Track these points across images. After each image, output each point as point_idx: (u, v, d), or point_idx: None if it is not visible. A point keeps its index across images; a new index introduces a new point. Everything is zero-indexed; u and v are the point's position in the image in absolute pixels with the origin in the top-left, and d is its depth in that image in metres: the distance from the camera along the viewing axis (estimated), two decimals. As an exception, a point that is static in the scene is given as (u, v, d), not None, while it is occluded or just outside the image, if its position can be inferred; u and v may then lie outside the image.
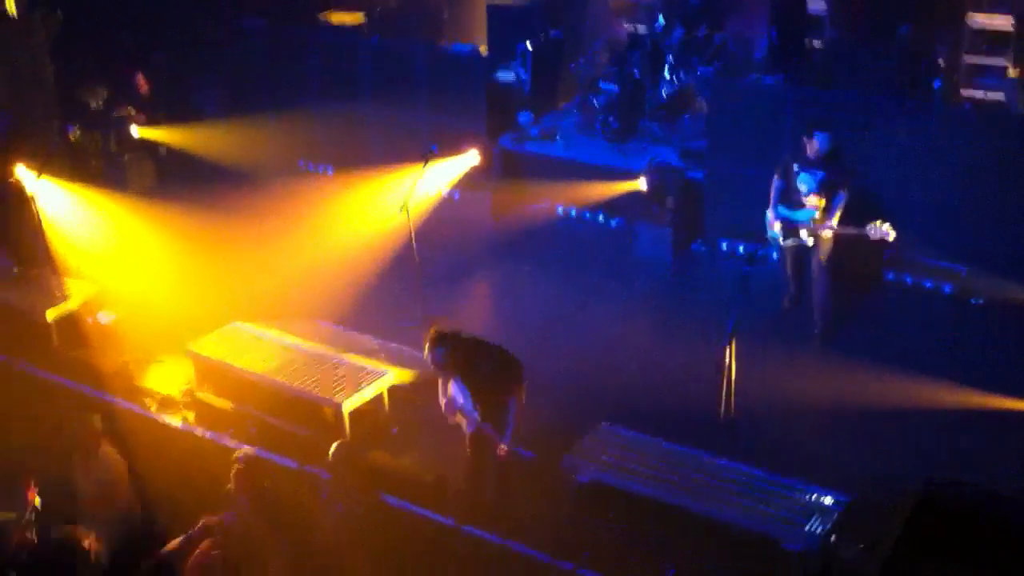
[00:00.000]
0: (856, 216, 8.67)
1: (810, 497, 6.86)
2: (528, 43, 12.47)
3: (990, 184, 9.48)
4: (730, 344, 7.70)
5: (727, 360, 7.76)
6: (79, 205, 11.44)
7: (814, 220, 8.74)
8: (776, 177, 8.95)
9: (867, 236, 8.45)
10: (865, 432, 8.15)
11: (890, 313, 9.64)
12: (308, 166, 13.01)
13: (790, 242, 8.96)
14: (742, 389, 8.02)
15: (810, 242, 8.86)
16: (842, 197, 8.68)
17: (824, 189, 8.69)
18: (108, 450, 7.44)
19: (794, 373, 8.77)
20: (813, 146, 8.70)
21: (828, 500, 6.83)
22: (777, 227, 8.97)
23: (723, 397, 7.92)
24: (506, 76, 12.46)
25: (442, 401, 7.30)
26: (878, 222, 8.41)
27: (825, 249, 8.89)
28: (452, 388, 7.18)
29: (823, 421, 8.28)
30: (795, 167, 8.82)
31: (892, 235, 8.38)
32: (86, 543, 5.56)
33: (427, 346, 7.16)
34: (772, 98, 10.64)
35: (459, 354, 7.13)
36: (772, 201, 8.98)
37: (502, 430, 7.18)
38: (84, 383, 9.16)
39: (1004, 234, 9.46)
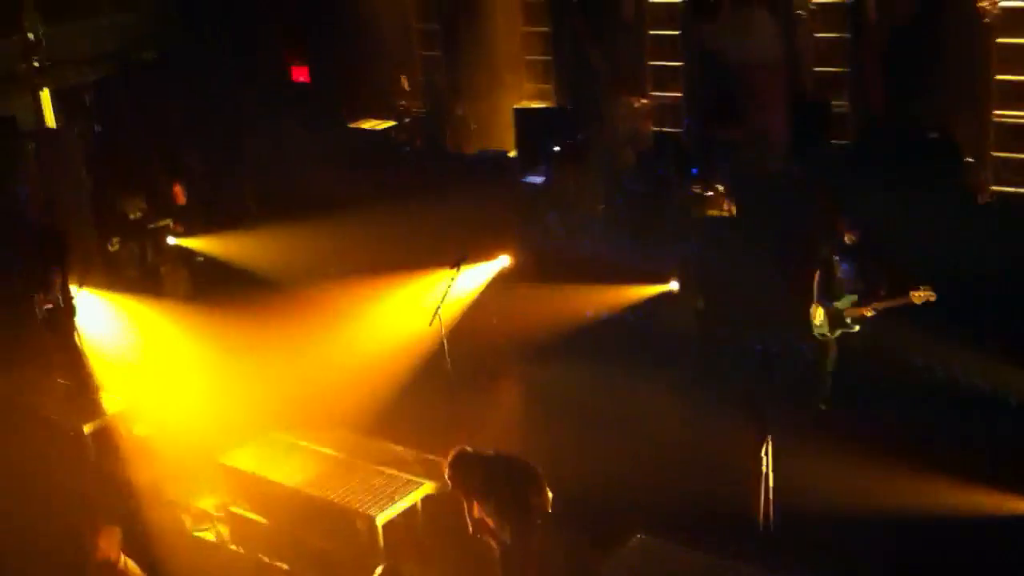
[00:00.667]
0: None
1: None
2: (556, 146, 12.67)
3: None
4: (766, 448, 7.58)
5: (763, 467, 7.64)
6: (116, 316, 11.65)
7: (855, 305, 8.80)
8: (819, 272, 9.01)
9: (912, 303, 8.52)
10: (910, 538, 7.96)
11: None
12: (341, 272, 13.13)
13: (837, 332, 8.96)
14: (781, 493, 7.87)
15: (856, 328, 8.87)
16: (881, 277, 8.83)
17: (864, 273, 8.82)
18: (130, 564, 7.45)
19: (833, 474, 8.62)
20: (850, 235, 8.82)
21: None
22: (819, 317, 8.97)
23: (762, 504, 7.77)
24: (535, 179, 12.63)
25: (469, 522, 7.23)
26: (919, 290, 8.49)
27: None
28: (477, 510, 7.12)
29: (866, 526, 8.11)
30: (836, 258, 8.92)
31: (934, 296, 8.44)
32: None
33: (446, 471, 7.16)
34: (799, 190, 10.74)
35: (476, 477, 7.10)
36: (816, 295, 9.02)
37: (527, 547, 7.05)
38: (118, 496, 9.18)
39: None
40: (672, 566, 7.21)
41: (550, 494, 7.24)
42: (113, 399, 10.24)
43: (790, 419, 8.42)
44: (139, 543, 7.93)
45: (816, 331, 9.07)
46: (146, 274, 13.13)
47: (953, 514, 8.07)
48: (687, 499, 8.54)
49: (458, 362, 9.68)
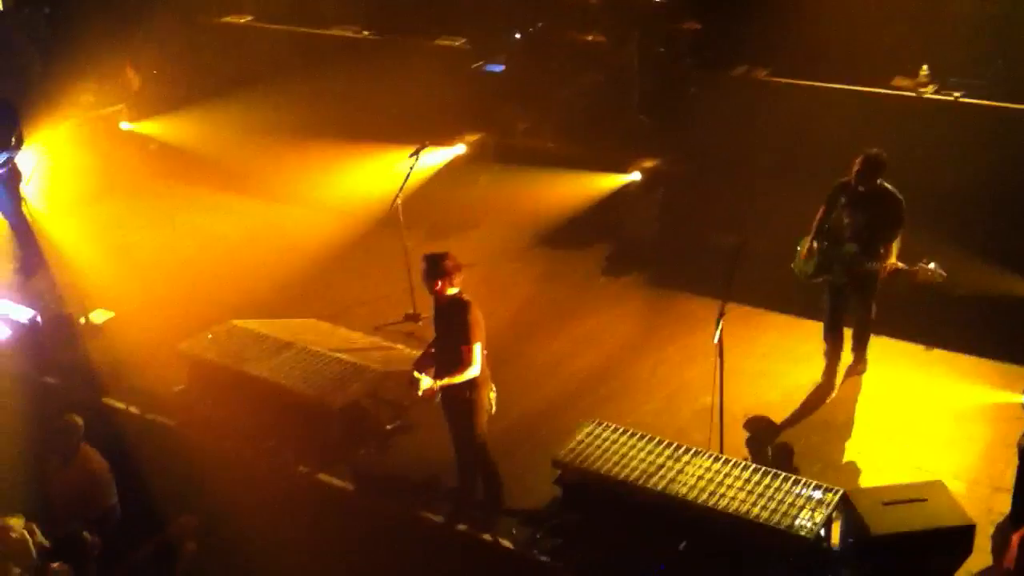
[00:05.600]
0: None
1: (802, 490, 6.85)
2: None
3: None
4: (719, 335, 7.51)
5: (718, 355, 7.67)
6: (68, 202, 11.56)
7: (852, 255, 8.04)
8: (823, 208, 8.21)
9: (915, 276, 7.83)
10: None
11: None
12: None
13: (819, 278, 8.28)
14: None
15: (843, 280, 8.16)
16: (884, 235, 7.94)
17: (872, 223, 7.97)
18: (88, 451, 7.48)
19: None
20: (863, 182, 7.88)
21: (819, 493, 6.82)
22: (803, 254, 8.27)
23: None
24: (494, 67, 12.39)
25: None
26: (929, 266, 7.76)
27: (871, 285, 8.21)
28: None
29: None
30: (843, 200, 8.09)
31: (942, 276, 7.76)
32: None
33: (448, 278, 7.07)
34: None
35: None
36: (814, 231, 8.23)
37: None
38: (75, 384, 9.18)
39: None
40: (620, 448, 7.34)
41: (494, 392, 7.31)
42: (68, 287, 10.15)
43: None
44: (99, 430, 7.95)
45: (797, 268, 8.36)
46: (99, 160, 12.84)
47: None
48: (642, 390, 8.76)
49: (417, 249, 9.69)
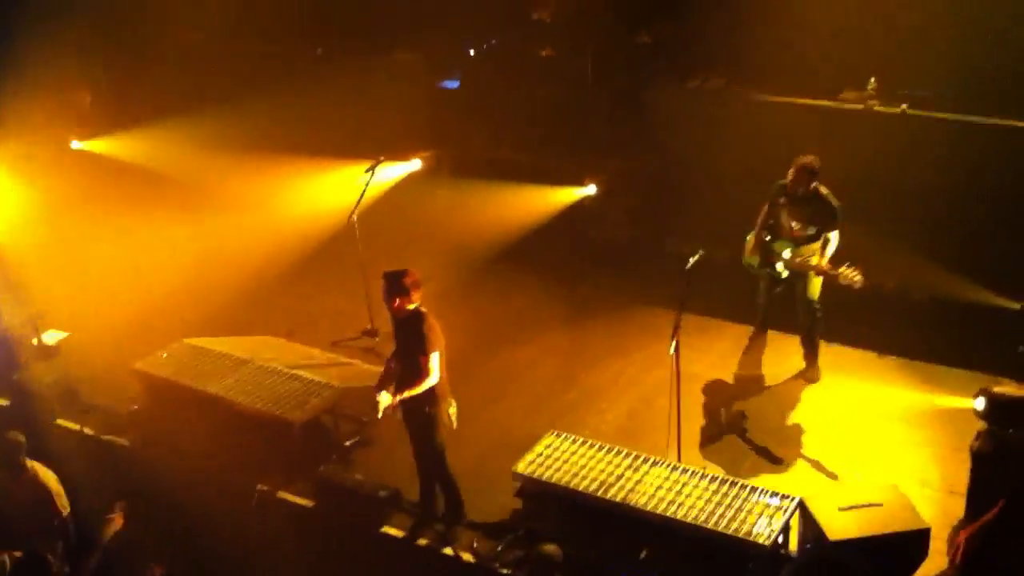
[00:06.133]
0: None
1: (759, 497, 6.92)
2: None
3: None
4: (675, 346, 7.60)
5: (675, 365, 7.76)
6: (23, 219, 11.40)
7: (793, 253, 8.38)
8: (766, 206, 8.52)
9: (836, 278, 8.14)
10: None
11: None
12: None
13: (765, 270, 8.59)
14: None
15: (783, 274, 8.51)
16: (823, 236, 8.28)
17: (807, 224, 8.33)
18: (36, 467, 7.42)
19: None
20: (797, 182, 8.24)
21: (776, 500, 6.89)
22: (749, 247, 8.62)
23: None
24: (450, 84, 12.44)
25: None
26: (849, 270, 8.03)
27: (810, 283, 8.53)
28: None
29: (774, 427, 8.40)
30: (781, 200, 8.41)
31: (860, 283, 8.03)
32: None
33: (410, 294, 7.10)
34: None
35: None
36: (758, 227, 8.57)
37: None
38: (28, 405, 9.04)
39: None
40: (579, 459, 7.37)
41: (454, 408, 7.30)
42: (20, 305, 9.99)
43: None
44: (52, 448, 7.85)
45: (745, 260, 8.74)
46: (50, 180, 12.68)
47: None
48: (603, 401, 8.81)
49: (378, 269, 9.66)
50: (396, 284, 7.06)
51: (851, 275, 8.04)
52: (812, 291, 8.56)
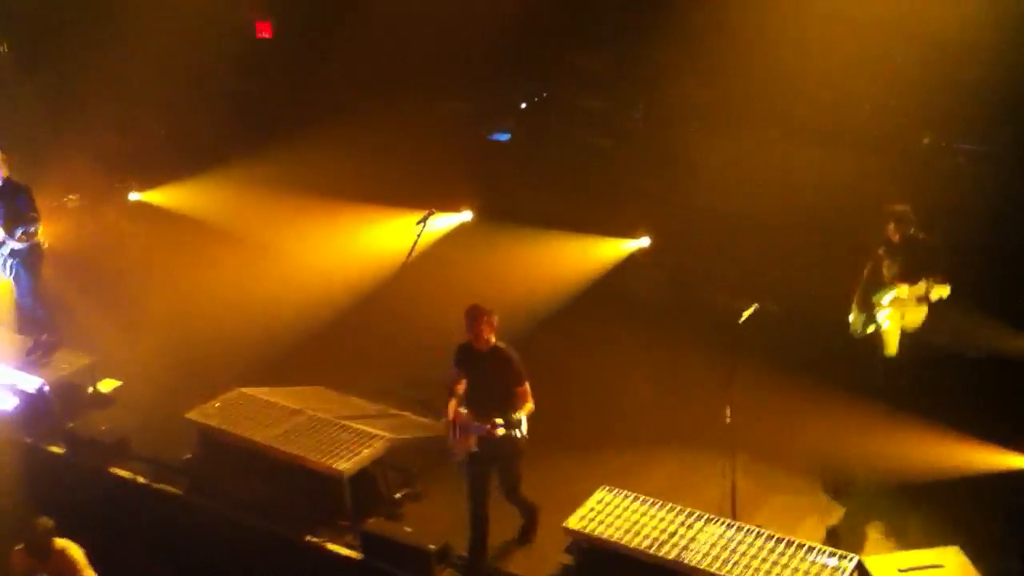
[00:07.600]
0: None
1: (816, 557, 6.76)
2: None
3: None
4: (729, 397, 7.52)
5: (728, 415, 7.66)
6: (79, 272, 11.57)
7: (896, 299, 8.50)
8: (868, 268, 8.68)
9: (928, 300, 8.35)
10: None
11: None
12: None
13: (871, 329, 8.67)
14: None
15: (885, 325, 8.55)
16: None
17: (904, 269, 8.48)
18: (63, 545, 7.41)
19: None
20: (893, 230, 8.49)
21: (834, 561, 6.73)
22: (852, 316, 8.71)
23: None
24: (500, 136, 12.56)
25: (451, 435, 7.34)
26: (935, 286, 8.26)
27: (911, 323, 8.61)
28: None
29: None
30: (880, 251, 8.60)
31: (947, 292, 8.23)
32: None
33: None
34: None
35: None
36: (859, 295, 8.68)
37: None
38: (81, 453, 9.14)
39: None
40: (632, 515, 7.28)
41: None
42: (77, 354, 10.13)
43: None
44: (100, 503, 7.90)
45: (852, 331, 8.78)
46: (107, 230, 12.95)
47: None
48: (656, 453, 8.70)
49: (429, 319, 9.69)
50: (486, 317, 7.29)
51: (935, 288, 8.22)
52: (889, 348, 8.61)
